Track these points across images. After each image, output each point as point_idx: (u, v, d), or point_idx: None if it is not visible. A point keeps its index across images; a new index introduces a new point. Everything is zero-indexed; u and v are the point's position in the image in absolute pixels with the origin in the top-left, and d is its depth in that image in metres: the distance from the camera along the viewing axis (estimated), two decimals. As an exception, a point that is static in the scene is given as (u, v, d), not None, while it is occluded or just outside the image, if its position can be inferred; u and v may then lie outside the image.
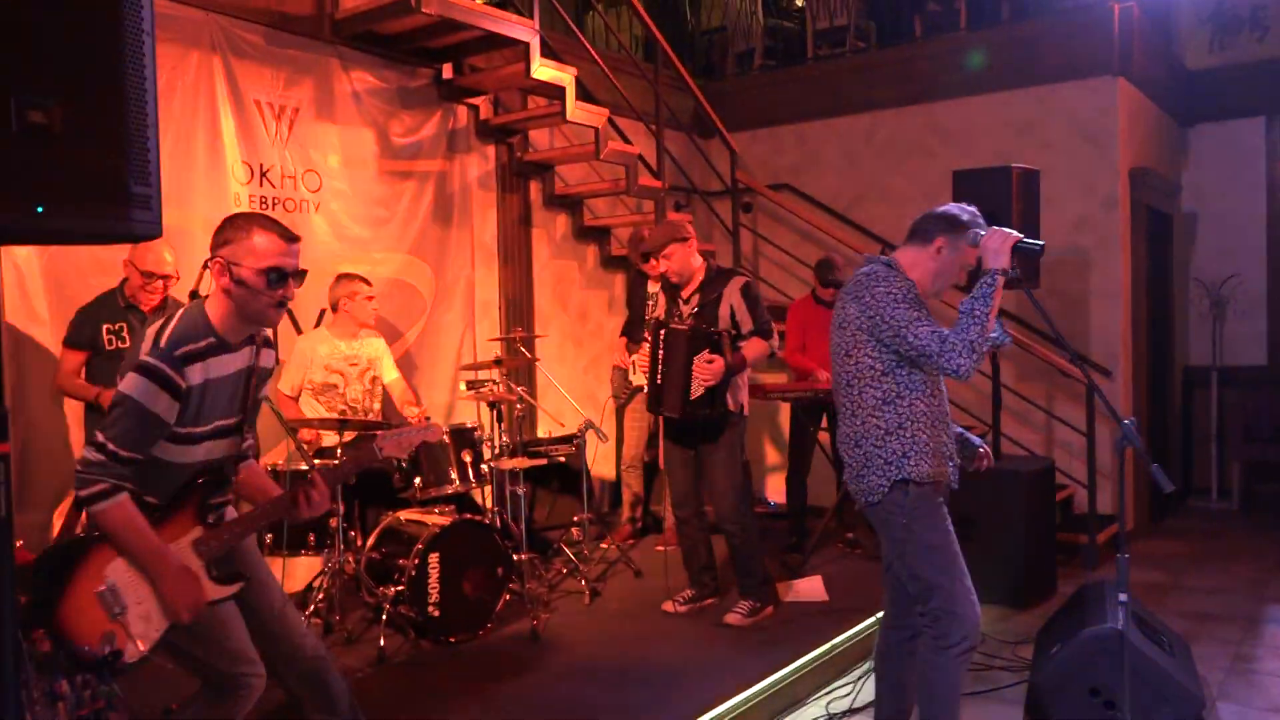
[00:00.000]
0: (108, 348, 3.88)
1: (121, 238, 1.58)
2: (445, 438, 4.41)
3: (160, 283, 3.93)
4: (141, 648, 2.22)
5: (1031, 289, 5.21)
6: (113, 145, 1.46)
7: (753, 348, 4.25)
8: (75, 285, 4.09)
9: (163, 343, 2.27)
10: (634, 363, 5.56)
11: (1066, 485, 6.20)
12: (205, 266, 3.53)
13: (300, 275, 2.40)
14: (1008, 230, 2.78)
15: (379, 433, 2.65)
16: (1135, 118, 6.50)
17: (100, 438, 2.22)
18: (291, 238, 2.39)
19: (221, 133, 4.64)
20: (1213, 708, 3.68)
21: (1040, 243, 2.88)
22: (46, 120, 1.35)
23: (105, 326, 3.90)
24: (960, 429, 3.08)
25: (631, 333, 5.71)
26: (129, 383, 2.24)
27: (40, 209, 1.37)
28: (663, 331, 4.28)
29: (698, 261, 4.39)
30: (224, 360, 2.38)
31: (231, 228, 2.37)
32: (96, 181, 1.44)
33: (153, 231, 1.54)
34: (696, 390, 4.14)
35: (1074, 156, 6.29)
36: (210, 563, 2.37)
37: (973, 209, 2.92)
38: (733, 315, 4.27)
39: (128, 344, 3.89)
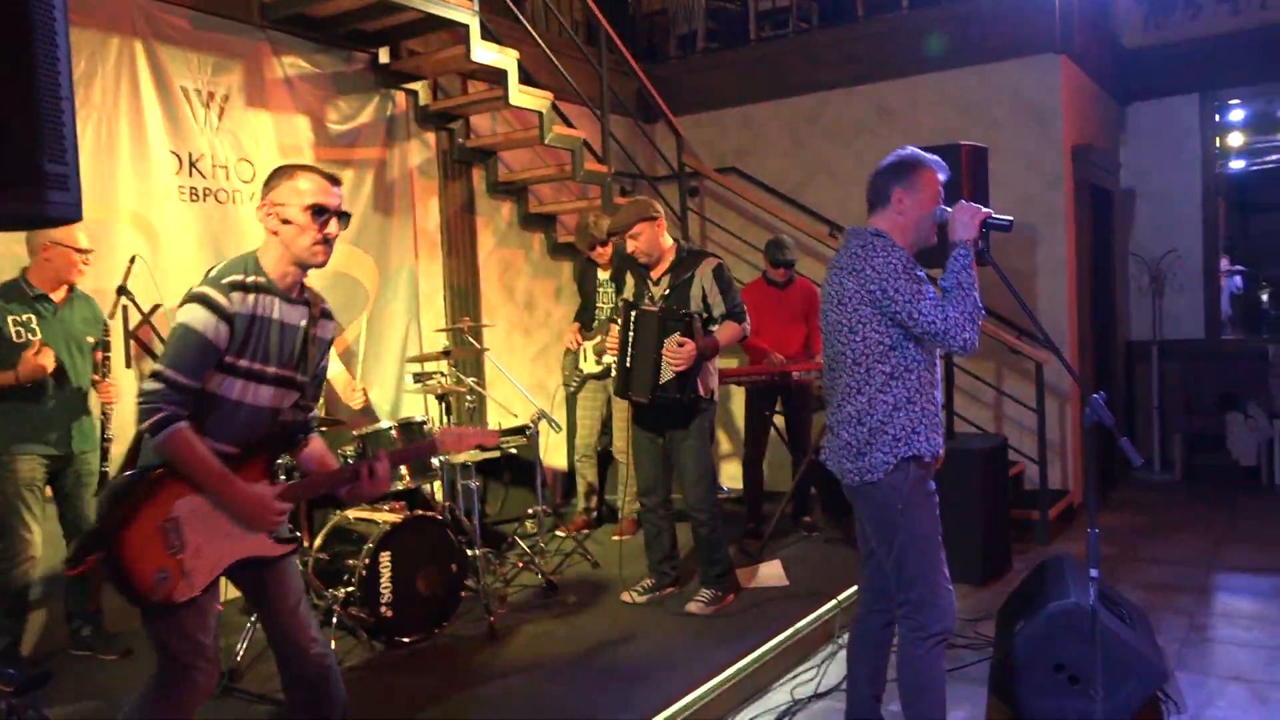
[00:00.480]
0: (16, 340, 3.66)
1: (37, 222, 1.44)
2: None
3: (87, 259, 3.77)
4: (194, 588, 2.30)
5: (981, 265, 5.24)
6: (22, 120, 1.31)
7: (726, 331, 4.18)
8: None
9: (210, 275, 2.43)
10: (585, 349, 5.46)
11: (1017, 462, 6.24)
12: (132, 260, 3.41)
13: (345, 217, 2.51)
14: (976, 205, 2.74)
15: (440, 429, 2.90)
16: (1077, 95, 6.55)
17: (157, 367, 2.33)
18: (334, 179, 2.53)
19: (146, 121, 4.42)
20: (1172, 677, 3.71)
21: (1009, 218, 2.85)
22: (-58, 90, 1.21)
23: (11, 319, 3.68)
24: None
25: (583, 319, 5.61)
26: (182, 312, 2.37)
27: (-61, 190, 1.23)
28: (633, 313, 4.18)
29: (668, 242, 4.29)
30: (275, 304, 2.47)
31: (278, 174, 2.51)
32: (5, 160, 1.30)
33: (71, 214, 1.41)
34: (666, 374, 4.06)
35: (1019, 134, 6.32)
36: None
37: (911, 149, 2.85)
38: (704, 297, 4.19)
39: (38, 335, 3.68)
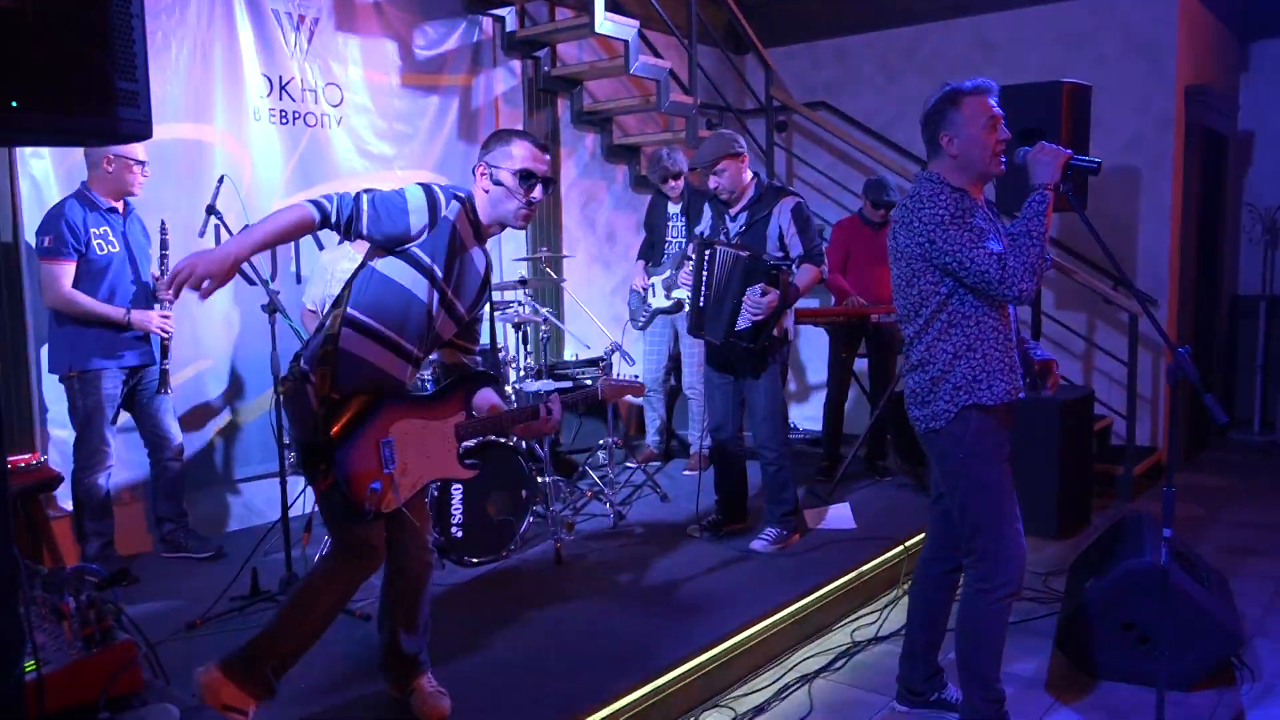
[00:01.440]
0: (98, 252, 3.77)
1: (107, 137, 1.48)
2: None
3: (139, 168, 3.84)
4: (400, 498, 2.53)
5: (1080, 211, 5.03)
6: (93, 36, 1.34)
7: (804, 276, 4.09)
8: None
9: (443, 186, 2.63)
10: (655, 284, 5.44)
11: (1105, 416, 6.05)
12: (221, 180, 3.51)
13: (549, 184, 2.69)
14: (1058, 147, 2.62)
15: (603, 380, 3.09)
16: (1193, 31, 6.16)
17: (362, 193, 2.53)
18: (545, 148, 2.69)
19: (240, 43, 4.50)
20: (1250, 644, 3.59)
21: (1096, 160, 2.71)
22: (15, 4, 1.24)
23: (93, 231, 3.77)
24: (1027, 343, 2.96)
25: (650, 255, 5.57)
26: (410, 186, 2.58)
27: (14, 104, 1.27)
28: (707, 251, 4.12)
29: (748, 177, 4.21)
30: (471, 239, 2.67)
31: (495, 138, 2.69)
32: (76, 75, 1.33)
33: (142, 131, 1.44)
34: (743, 322, 4.01)
35: (1127, 72, 5.99)
36: (461, 444, 2.68)
37: (950, 83, 2.70)
38: (781, 237, 4.11)
39: (118, 249, 3.81)
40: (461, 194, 2.64)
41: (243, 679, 2.54)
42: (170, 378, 3.94)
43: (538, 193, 2.65)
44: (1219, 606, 3.32)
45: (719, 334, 4.08)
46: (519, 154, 2.61)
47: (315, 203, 2.50)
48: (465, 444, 2.79)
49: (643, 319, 5.55)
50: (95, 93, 1.36)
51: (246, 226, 3.81)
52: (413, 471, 2.58)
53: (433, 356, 2.99)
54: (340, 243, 4.81)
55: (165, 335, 3.88)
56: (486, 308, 4.35)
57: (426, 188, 2.58)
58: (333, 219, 2.50)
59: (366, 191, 2.54)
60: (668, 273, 5.36)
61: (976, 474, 2.72)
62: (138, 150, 3.82)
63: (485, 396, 2.80)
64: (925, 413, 2.76)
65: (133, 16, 1.41)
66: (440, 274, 2.60)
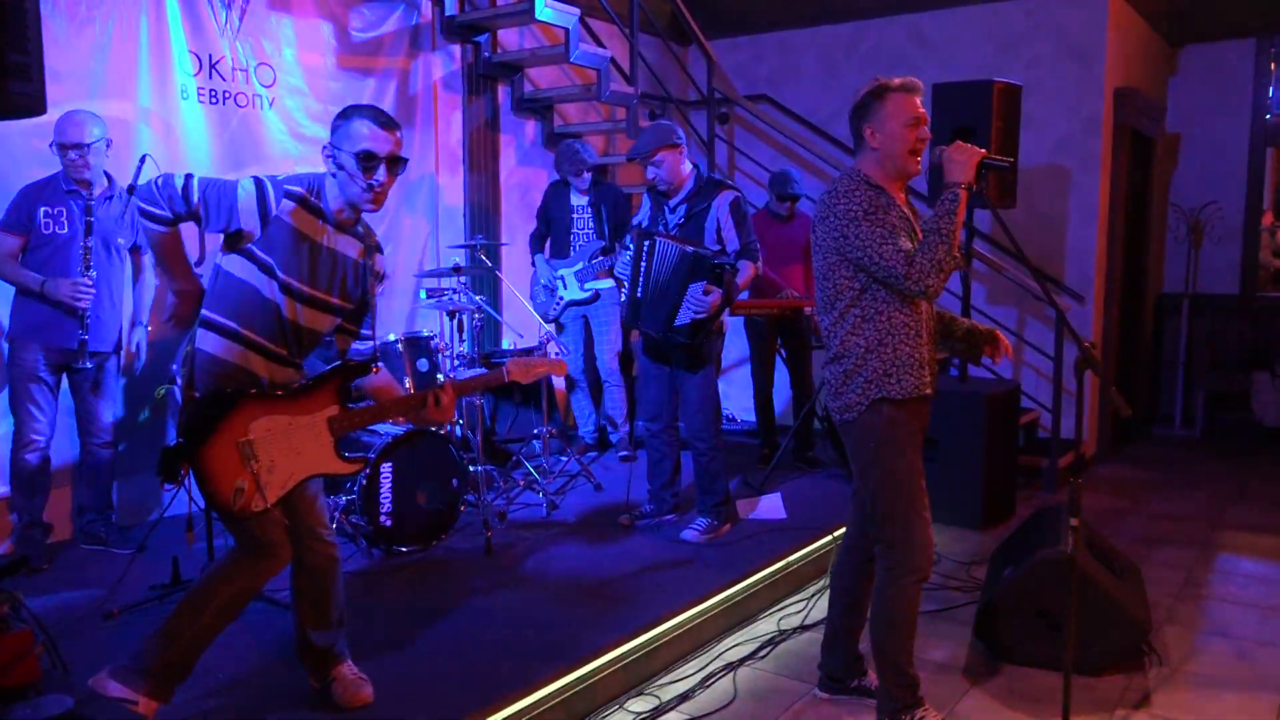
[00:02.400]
0: (44, 231, 3.73)
1: (-3, 113, 1.44)
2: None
3: (74, 154, 3.72)
4: (268, 499, 2.46)
5: (1006, 208, 5.13)
6: (-21, 7, 1.30)
7: (744, 273, 4.11)
8: (13, 179, 3.88)
9: (284, 178, 2.56)
10: (566, 275, 5.44)
11: (1032, 409, 6.19)
12: (143, 160, 3.44)
13: (397, 162, 2.56)
14: (972, 146, 2.69)
15: (510, 358, 2.93)
16: (1123, 35, 6.31)
17: (192, 175, 2.47)
18: (390, 124, 2.55)
19: (167, 19, 4.40)
20: (1159, 630, 3.71)
21: (1007, 159, 2.79)
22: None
23: (44, 209, 3.74)
24: (968, 322, 3.03)
25: (551, 247, 5.56)
26: (243, 177, 2.53)
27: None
28: (646, 242, 4.10)
29: (687, 169, 4.21)
30: (325, 229, 2.58)
31: (339, 116, 2.57)
32: (-39, 48, 1.30)
33: (33, 106, 1.41)
34: (684, 318, 4.02)
35: (1059, 73, 6.12)
36: (338, 438, 2.59)
37: (878, 78, 2.77)
38: (719, 231, 4.13)
39: (66, 230, 3.73)
40: (299, 187, 2.54)
41: (135, 683, 2.45)
42: (89, 349, 3.81)
43: (381, 174, 2.52)
44: (1129, 595, 3.42)
45: (658, 327, 4.08)
46: (359, 133, 2.50)
47: (150, 212, 2.46)
48: (383, 433, 2.74)
49: (554, 312, 5.53)
50: (-19, 66, 1.32)
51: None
52: (281, 469, 2.49)
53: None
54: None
55: (78, 305, 3.74)
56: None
57: (258, 184, 2.50)
58: (172, 213, 2.47)
59: (200, 181, 2.48)
60: (580, 264, 5.37)
61: (887, 464, 2.78)
62: (67, 133, 3.71)
63: (380, 380, 2.73)
64: (839, 404, 2.83)
65: (24, -12, 1.37)
66: (282, 272, 2.53)
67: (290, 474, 2.51)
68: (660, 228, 4.22)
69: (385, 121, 2.53)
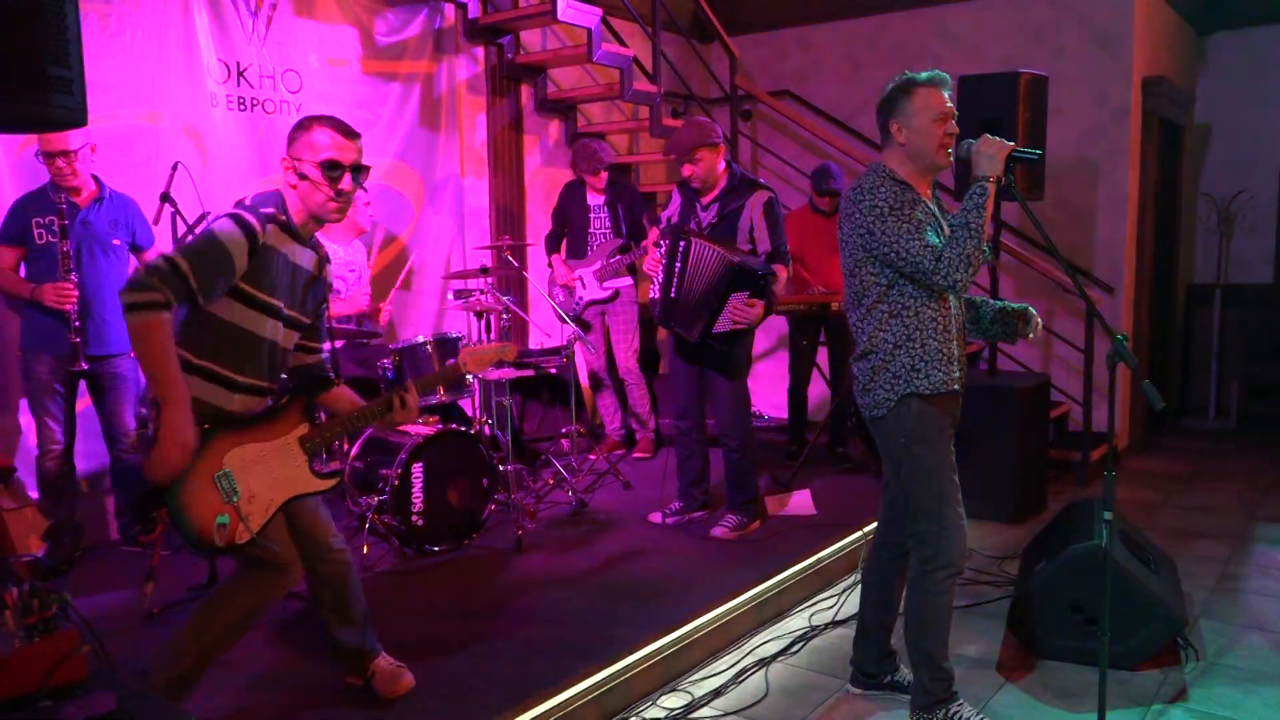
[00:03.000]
0: (38, 243, 3.76)
1: (41, 125, 1.47)
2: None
3: (61, 161, 3.71)
4: (252, 529, 2.40)
5: (1034, 200, 5.09)
6: (22, 22, 1.33)
7: (778, 278, 4.09)
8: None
9: (248, 203, 2.47)
10: (581, 278, 5.46)
11: (1062, 402, 6.14)
12: (175, 167, 3.44)
13: (360, 170, 2.52)
14: (1000, 139, 2.67)
15: (463, 349, 2.85)
16: (1151, 23, 6.24)
17: (172, 253, 2.31)
18: (351, 134, 2.51)
19: (195, 29, 4.45)
20: (1195, 624, 3.68)
21: (1037, 151, 2.77)
22: (-61, -9, 1.23)
23: (35, 220, 3.77)
24: (998, 302, 2.99)
25: (568, 247, 5.59)
26: (214, 221, 2.40)
27: (-58, 91, 1.26)
28: (681, 242, 4.06)
29: (722, 168, 4.20)
30: (291, 245, 2.53)
31: (297, 127, 2.52)
32: (6, 63, 1.33)
33: (76, 119, 1.43)
34: (723, 325, 4.01)
35: (1086, 63, 6.07)
36: (312, 457, 2.55)
37: (906, 73, 2.77)
38: (751, 232, 4.11)
39: (59, 239, 3.73)
40: (268, 208, 2.48)
41: None
42: (86, 352, 3.81)
43: (347, 182, 2.49)
44: (1165, 588, 3.39)
45: (696, 334, 4.06)
46: (321, 142, 2.46)
47: (149, 304, 2.22)
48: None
49: (574, 312, 5.55)
50: (26, 80, 1.35)
51: (204, 216, 3.80)
52: (261, 497, 2.44)
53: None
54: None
55: (63, 308, 3.73)
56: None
57: (239, 221, 2.38)
58: (174, 301, 2.28)
59: (179, 258, 2.28)
60: (598, 263, 5.39)
61: (918, 459, 2.77)
62: (52, 141, 3.69)
63: (342, 394, 2.68)
64: (868, 401, 2.83)
65: (64, 2, 1.40)
66: (267, 296, 2.47)
67: (271, 500, 2.47)
68: (692, 225, 4.21)
69: (347, 130, 2.51)
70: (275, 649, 3.15)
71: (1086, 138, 6.11)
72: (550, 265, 5.64)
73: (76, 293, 3.75)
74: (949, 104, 2.73)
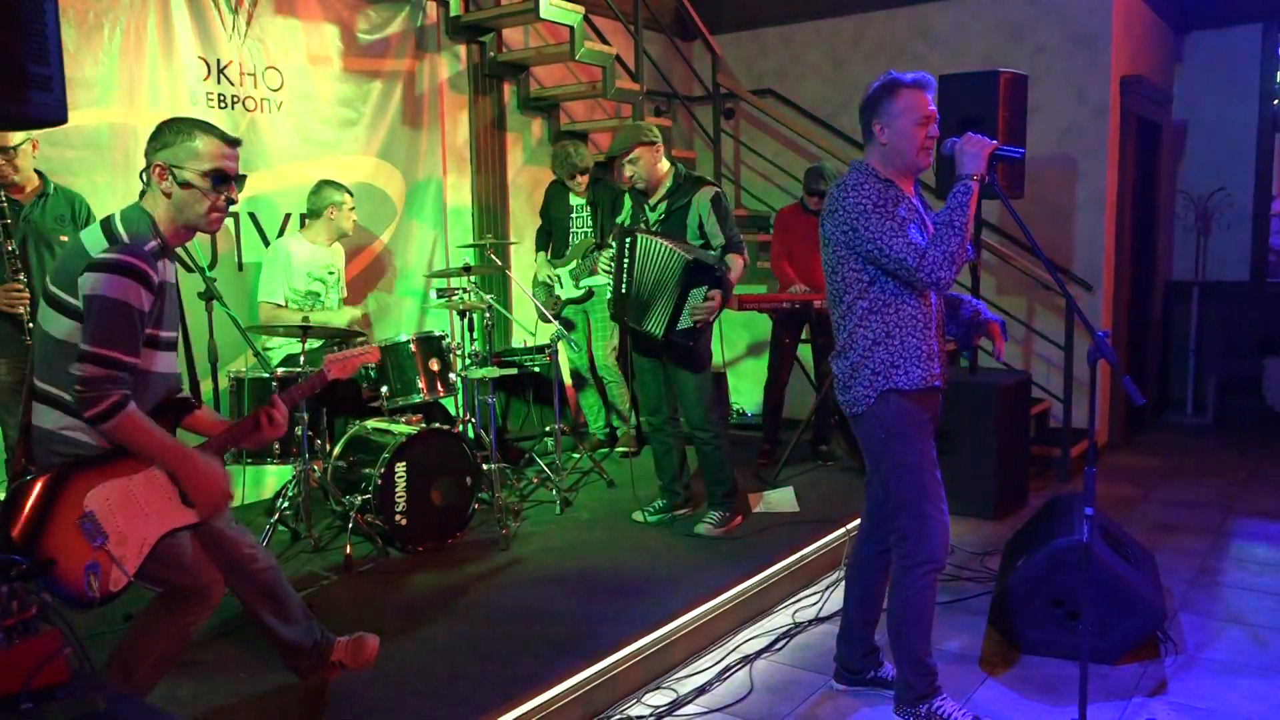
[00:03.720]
0: None
1: (19, 123, 1.46)
2: (414, 349, 4.31)
3: (2, 159, 3.56)
4: (128, 571, 2.23)
5: (1014, 198, 5.12)
6: (3, 21, 1.32)
7: (734, 269, 4.13)
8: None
9: (127, 239, 2.24)
10: (560, 275, 5.48)
11: (1043, 399, 6.19)
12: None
13: (240, 180, 2.40)
14: (984, 138, 2.69)
15: (327, 356, 2.75)
16: (1129, 22, 6.30)
17: (95, 350, 2.16)
18: (233, 141, 2.38)
19: (174, 25, 4.41)
20: (1174, 618, 3.72)
21: (1020, 149, 2.80)
22: (-84, -13, 1.22)
23: None
24: (973, 305, 3.00)
25: (554, 247, 5.61)
26: (104, 284, 2.17)
27: (-80, 88, 1.25)
28: (628, 239, 4.13)
29: (665, 167, 4.22)
30: (168, 267, 2.37)
31: (171, 131, 2.32)
32: (-15, 59, 1.32)
33: (56, 115, 1.43)
34: (685, 322, 4.03)
35: (1065, 62, 6.11)
36: (183, 487, 2.37)
37: (890, 73, 2.78)
38: (701, 226, 4.14)
39: (2, 239, 3.59)
40: (150, 241, 2.26)
41: None
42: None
43: (233, 194, 2.36)
44: (1144, 583, 3.43)
45: (659, 330, 4.08)
46: (206, 151, 2.29)
47: (111, 410, 2.16)
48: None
49: (554, 310, 5.55)
50: (4, 78, 1.34)
51: None
52: (134, 536, 2.24)
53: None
54: (281, 233, 4.78)
55: (15, 310, 3.60)
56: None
57: (137, 274, 2.18)
58: (128, 390, 2.20)
59: (105, 350, 2.16)
60: (574, 262, 5.41)
61: (898, 455, 2.79)
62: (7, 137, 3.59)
63: (206, 414, 2.56)
64: (848, 398, 2.85)
65: (44, 0, 1.39)
66: (169, 334, 2.37)
67: (143, 538, 2.27)
68: (641, 225, 4.23)
69: (229, 139, 2.37)
70: (252, 649, 3.13)
71: (1066, 136, 6.16)
72: (535, 262, 5.64)
73: (28, 294, 3.61)
74: (932, 107, 2.75)
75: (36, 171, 3.77)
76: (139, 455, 2.27)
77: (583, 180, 5.47)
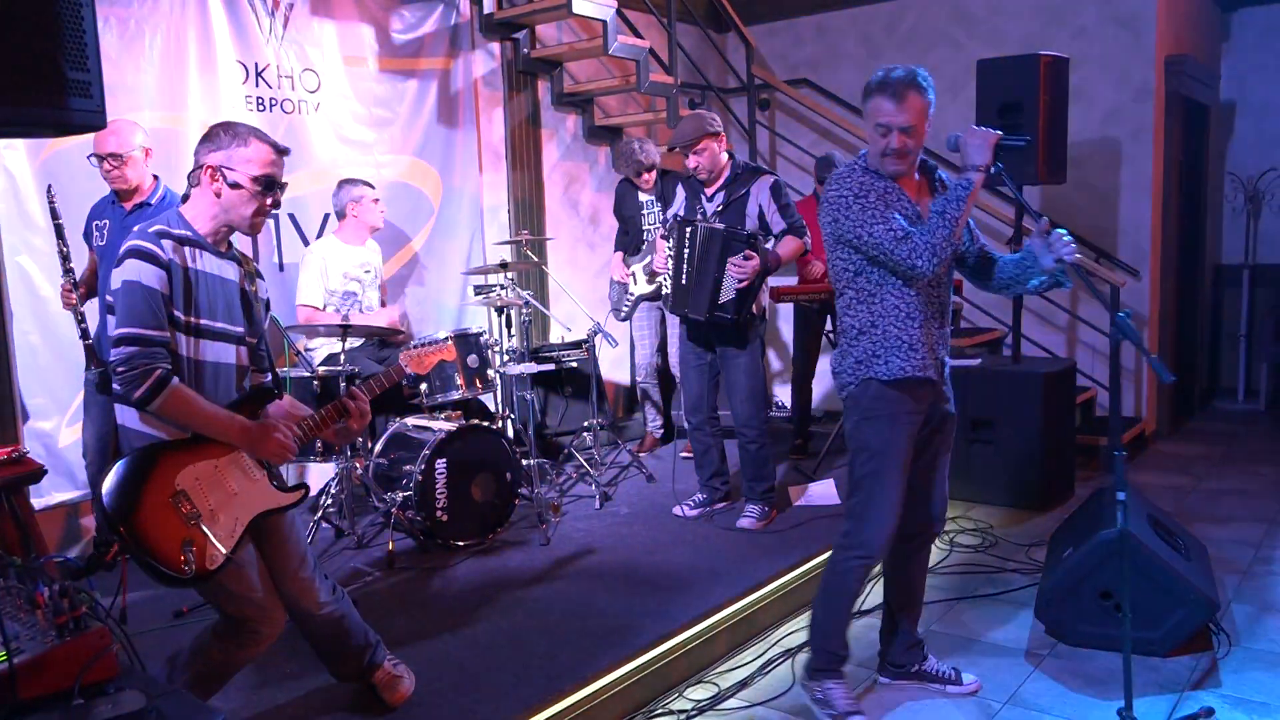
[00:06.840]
0: (95, 245, 3.83)
1: (60, 128, 1.48)
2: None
3: (109, 164, 3.70)
4: (224, 549, 2.28)
5: (1056, 183, 5.03)
6: (39, 26, 1.35)
7: (787, 245, 4.15)
8: (70, 190, 3.93)
9: (135, 230, 2.36)
10: (635, 271, 5.45)
11: (1089, 388, 6.08)
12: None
13: (282, 188, 2.47)
14: (987, 129, 2.68)
15: (402, 352, 2.83)
16: (1173, 1, 6.15)
17: (121, 330, 2.25)
18: (283, 150, 2.47)
19: (213, 30, 4.47)
20: (1227, 609, 3.64)
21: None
22: (-41, -2, 1.24)
23: (95, 223, 3.84)
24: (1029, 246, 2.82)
25: (625, 244, 5.59)
26: (118, 274, 2.29)
27: (-37, 96, 1.28)
28: (688, 229, 4.13)
29: (725, 157, 4.23)
30: (209, 259, 2.42)
31: (226, 134, 2.40)
32: (23, 67, 1.34)
33: (95, 121, 1.45)
34: (726, 294, 4.03)
35: (1107, 43, 5.99)
36: (273, 470, 2.45)
37: (879, 72, 2.70)
38: (761, 215, 4.14)
39: (105, 241, 3.78)
40: (158, 224, 2.34)
41: None
42: (95, 355, 3.73)
43: (278, 199, 2.44)
44: (1196, 573, 3.35)
45: (702, 309, 4.09)
46: (259, 157, 2.38)
47: (156, 386, 2.23)
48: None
49: (626, 308, 5.54)
50: (45, 84, 1.37)
51: None
52: (224, 516, 2.31)
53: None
54: (320, 235, 4.83)
55: (68, 308, 3.74)
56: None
57: (132, 249, 2.27)
58: (169, 363, 2.27)
59: (134, 329, 2.25)
60: (647, 259, 5.38)
61: (865, 438, 2.82)
62: (99, 143, 3.68)
63: (283, 406, 2.57)
64: (838, 383, 2.90)
65: (81, 6, 1.42)
66: (227, 324, 2.42)
67: (235, 518, 2.33)
68: (699, 216, 4.22)
69: (280, 147, 2.45)
70: (284, 649, 3.17)
71: (1109, 119, 6.04)
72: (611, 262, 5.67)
73: (74, 296, 3.71)
74: (897, 115, 2.62)
75: (155, 178, 3.88)
76: (188, 427, 2.31)
77: (649, 177, 5.45)
